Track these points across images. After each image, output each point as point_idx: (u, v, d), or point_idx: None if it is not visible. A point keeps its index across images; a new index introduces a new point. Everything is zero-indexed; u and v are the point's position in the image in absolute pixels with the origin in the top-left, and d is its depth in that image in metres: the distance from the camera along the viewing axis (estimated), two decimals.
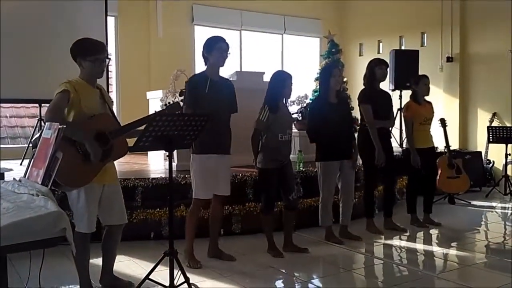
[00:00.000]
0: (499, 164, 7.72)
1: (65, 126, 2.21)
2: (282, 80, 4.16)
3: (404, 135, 7.77)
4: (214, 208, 4.11)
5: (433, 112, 5.38)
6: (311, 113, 4.74)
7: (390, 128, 5.29)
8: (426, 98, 5.34)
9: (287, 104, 4.42)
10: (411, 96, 5.33)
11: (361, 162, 5.02)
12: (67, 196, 3.08)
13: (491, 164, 7.92)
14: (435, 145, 5.65)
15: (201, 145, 3.74)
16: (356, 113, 4.79)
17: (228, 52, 3.90)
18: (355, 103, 5.42)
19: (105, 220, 3.21)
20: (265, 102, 4.18)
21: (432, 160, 5.43)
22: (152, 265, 3.23)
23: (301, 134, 6.09)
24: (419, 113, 5.21)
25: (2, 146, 7.51)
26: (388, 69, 5.14)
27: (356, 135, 4.98)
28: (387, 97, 5.13)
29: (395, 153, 5.32)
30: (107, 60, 3.10)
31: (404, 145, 7.48)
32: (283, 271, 3.90)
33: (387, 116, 5.03)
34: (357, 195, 5.19)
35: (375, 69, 4.94)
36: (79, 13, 6.68)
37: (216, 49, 3.85)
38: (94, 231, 3.11)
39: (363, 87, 5.07)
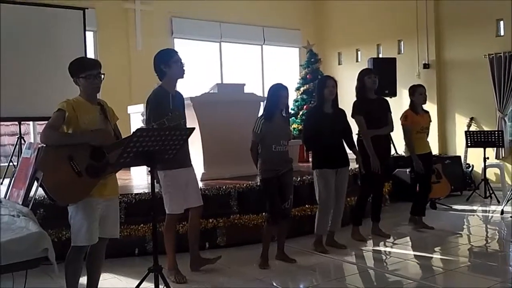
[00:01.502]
0: (478, 168, 7.86)
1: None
2: (275, 92, 4.23)
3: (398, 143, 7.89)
4: (192, 220, 4.08)
5: (430, 121, 5.52)
6: (306, 123, 4.86)
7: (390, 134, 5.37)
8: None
9: (288, 114, 4.45)
10: (409, 106, 5.42)
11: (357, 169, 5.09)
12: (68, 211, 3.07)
13: (470, 168, 8.06)
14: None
15: (174, 160, 3.69)
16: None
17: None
18: None
19: (99, 232, 3.16)
20: (262, 114, 4.27)
21: (429, 165, 5.52)
22: (137, 282, 3.19)
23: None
24: (417, 122, 5.33)
25: None
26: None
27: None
28: (383, 104, 5.18)
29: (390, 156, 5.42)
30: (101, 75, 3.13)
31: (399, 152, 7.57)
32: (270, 282, 3.89)
33: (385, 122, 5.09)
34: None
35: (365, 79, 5.04)
36: (58, 30, 6.65)
37: (174, 62, 3.82)
38: (94, 243, 3.06)
39: (342, 95, 5.13)
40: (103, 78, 3.16)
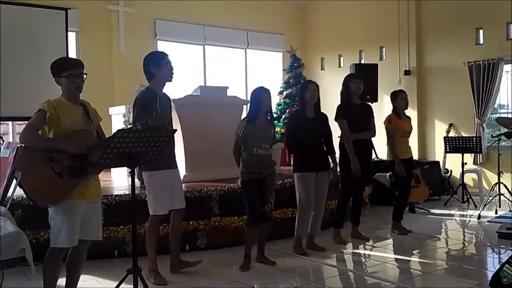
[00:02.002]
0: (456, 173, 7.99)
1: (23, 145, 2.17)
2: (257, 95, 4.27)
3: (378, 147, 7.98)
4: (174, 222, 4.08)
5: (411, 126, 5.62)
6: (288, 126, 4.90)
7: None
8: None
9: (272, 118, 4.46)
10: (392, 111, 5.51)
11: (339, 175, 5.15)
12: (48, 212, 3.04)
13: (449, 173, 8.19)
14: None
15: (157, 162, 3.70)
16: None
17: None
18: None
19: (80, 235, 3.12)
20: (245, 117, 4.30)
21: (410, 169, 5.59)
22: (116, 284, 3.18)
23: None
24: (400, 127, 5.42)
25: None
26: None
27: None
28: (366, 109, 5.26)
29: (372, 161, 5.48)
30: (83, 75, 3.11)
31: (379, 157, 7.65)
32: (250, 284, 3.90)
33: (367, 127, 5.15)
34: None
35: (349, 84, 5.10)
36: (40, 29, 6.59)
37: (164, 65, 3.85)
38: (74, 245, 3.04)
39: (325, 100, 5.18)
40: (85, 78, 3.14)
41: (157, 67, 3.85)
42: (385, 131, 5.43)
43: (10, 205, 2.49)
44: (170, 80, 3.92)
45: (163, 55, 3.91)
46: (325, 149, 4.78)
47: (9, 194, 2.54)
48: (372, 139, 5.33)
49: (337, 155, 4.99)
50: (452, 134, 8.30)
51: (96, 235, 3.20)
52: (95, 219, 3.18)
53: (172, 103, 4.18)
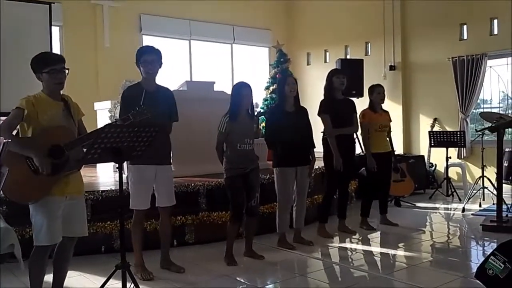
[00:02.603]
0: (441, 167, 8.09)
1: (10, 140, 2.15)
2: (238, 90, 4.25)
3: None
4: (161, 220, 4.08)
5: (389, 120, 5.66)
6: (268, 121, 4.86)
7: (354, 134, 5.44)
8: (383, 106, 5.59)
9: (253, 113, 4.45)
10: (368, 105, 5.55)
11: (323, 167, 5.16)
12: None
13: (433, 167, 8.29)
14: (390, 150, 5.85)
15: (138, 156, 3.69)
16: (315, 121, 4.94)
17: (158, 62, 3.87)
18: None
19: (65, 232, 3.09)
20: (226, 112, 4.26)
21: (388, 164, 5.64)
22: (103, 279, 3.17)
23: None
24: (375, 120, 5.45)
25: None
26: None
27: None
28: (349, 104, 5.28)
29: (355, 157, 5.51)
30: (65, 70, 3.05)
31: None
32: (238, 278, 3.92)
33: (350, 123, 5.18)
34: (309, 200, 5.31)
35: (333, 79, 5.12)
36: (22, 24, 6.47)
37: (142, 62, 3.85)
38: (56, 242, 3.01)
39: (310, 95, 5.22)
40: (67, 73, 3.09)
41: (139, 62, 3.86)
42: None
43: None
44: (148, 77, 3.88)
45: (142, 51, 3.88)
46: (304, 143, 4.79)
47: None
48: (357, 134, 5.36)
49: (320, 149, 5.01)
50: (436, 128, 8.40)
51: (81, 231, 3.16)
52: (79, 215, 3.14)
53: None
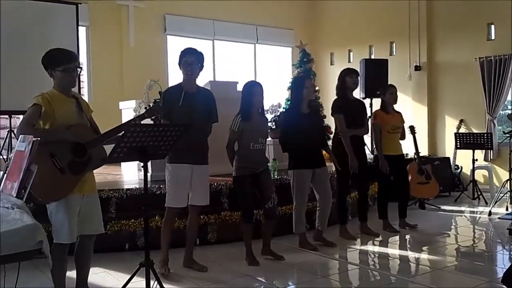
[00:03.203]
0: (467, 170, 7.95)
1: (39, 138, 2.18)
2: (249, 89, 4.24)
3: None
4: (190, 218, 4.12)
5: (402, 121, 5.53)
6: (283, 124, 4.81)
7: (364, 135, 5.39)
8: (395, 107, 5.50)
9: (264, 112, 4.47)
10: (380, 106, 5.47)
11: (334, 169, 5.12)
12: (47, 208, 3.03)
13: (459, 170, 8.15)
14: (405, 152, 5.79)
15: (175, 155, 3.78)
16: (329, 121, 4.89)
17: (198, 65, 3.93)
18: (327, 111, 5.53)
19: (81, 230, 3.14)
20: (238, 112, 4.24)
21: (402, 166, 5.57)
22: (127, 277, 3.20)
23: (275, 143, 6.15)
24: (387, 122, 5.36)
25: None
26: (359, 78, 5.26)
27: (330, 143, 5.08)
28: (360, 105, 5.24)
29: (368, 160, 5.44)
30: (78, 69, 3.07)
31: (375, 152, 7.63)
32: (259, 278, 3.93)
33: (361, 124, 5.13)
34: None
35: (346, 78, 5.05)
36: (50, 23, 6.61)
37: (182, 64, 3.93)
38: (74, 241, 3.07)
39: (334, 95, 5.17)
40: (80, 72, 3.12)
41: (179, 64, 3.95)
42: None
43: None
44: (188, 78, 3.95)
45: (183, 53, 3.94)
46: (319, 145, 4.76)
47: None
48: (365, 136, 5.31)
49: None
50: (462, 130, 8.25)
51: (98, 228, 3.20)
52: (96, 213, 3.18)
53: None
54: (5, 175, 2.26)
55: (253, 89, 4.22)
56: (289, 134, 4.61)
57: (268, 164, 4.54)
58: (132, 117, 3.23)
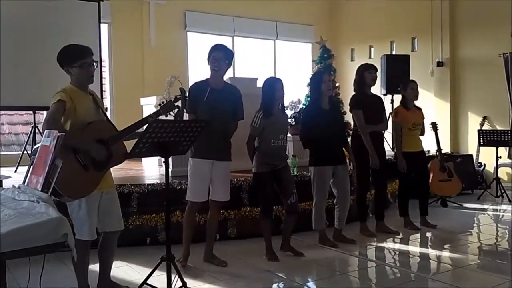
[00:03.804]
0: (490, 167, 7.82)
1: (64, 134, 2.23)
2: (270, 85, 4.24)
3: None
4: (210, 213, 4.16)
5: (423, 118, 5.45)
6: (303, 119, 4.82)
7: (383, 132, 5.34)
8: (416, 103, 5.43)
9: (284, 108, 4.47)
10: (400, 102, 5.41)
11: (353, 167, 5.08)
12: (67, 205, 3.06)
13: (482, 167, 8.02)
14: (426, 149, 5.73)
15: (197, 150, 3.85)
16: (349, 117, 4.85)
17: (226, 61, 3.93)
18: (347, 107, 5.49)
19: (103, 227, 3.20)
20: (260, 108, 4.24)
21: (423, 163, 5.50)
22: (149, 270, 3.26)
23: (294, 139, 6.14)
24: (408, 119, 5.29)
25: None
26: (380, 74, 5.20)
27: (349, 139, 5.05)
28: (379, 101, 5.19)
29: (387, 157, 5.40)
30: (94, 64, 3.07)
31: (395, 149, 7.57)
32: (279, 274, 3.93)
33: (380, 120, 5.08)
34: (351, 198, 5.25)
35: (364, 74, 4.99)
36: (73, 20, 6.70)
37: (210, 59, 3.95)
38: (95, 238, 3.13)
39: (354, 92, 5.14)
40: (96, 66, 3.10)
41: (208, 58, 3.96)
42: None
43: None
44: (215, 74, 3.97)
45: (211, 50, 3.96)
46: (340, 141, 4.73)
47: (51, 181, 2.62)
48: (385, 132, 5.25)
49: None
50: (486, 127, 8.12)
51: (118, 225, 3.25)
52: (116, 210, 3.22)
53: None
54: (31, 169, 2.31)
55: (275, 85, 4.22)
56: (310, 130, 4.59)
57: (288, 160, 4.54)
58: (148, 114, 3.27)
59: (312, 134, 4.57)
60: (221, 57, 3.91)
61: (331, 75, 4.69)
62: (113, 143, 2.98)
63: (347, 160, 4.81)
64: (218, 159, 3.95)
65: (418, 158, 5.34)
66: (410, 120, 5.29)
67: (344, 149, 4.80)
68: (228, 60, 3.96)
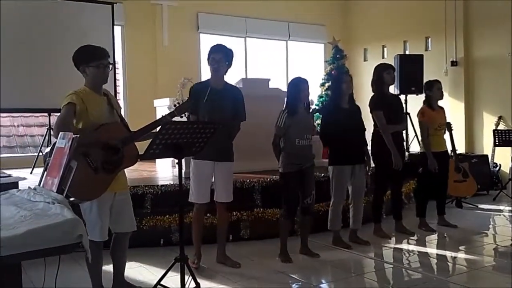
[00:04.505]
0: (505, 167, 7.72)
1: (78, 136, 2.24)
2: (296, 85, 4.26)
3: (410, 139, 7.81)
4: (218, 214, 4.17)
5: (445, 117, 5.44)
6: (324, 118, 4.84)
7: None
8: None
9: (309, 108, 4.48)
10: (425, 102, 5.36)
11: (373, 167, 5.06)
12: (80, 206, 3.08)
13: (497, 168, 7.92)
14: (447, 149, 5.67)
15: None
16: (364, 118, 4.82)
17: (226, 62, 3.93)
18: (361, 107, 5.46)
19: (115, 228, 3.22)
20: (284, 107, 4.28)
21: (446, 163, 5.46)
22: (162, 271, 3.27)
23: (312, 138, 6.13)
24: (434, 119, 5.27)
25: (12, 155, 7.60)
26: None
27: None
28: (398, 101, 5.17)
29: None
30: (110, 65, 3.10)
31: (411, 150, 7.51)
32: (293, 276, 3.92)
33: (400, 119, 5.06)
34: (365, 200, 5.22)
35: (383, 74, 4.97)
36: (87, 23, 6.77)
37: (210, 60, 3.95)
38: (106, 239, 3.15)
39: (368, 92, 5.11)
40: (111, 69, 3.13)
41: (208, 59, 3.97)
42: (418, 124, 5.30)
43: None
44: (216, 75, 3.97)
45: (211, 50, 3.96)
46: (359, 141, 4.70)
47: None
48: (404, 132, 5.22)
49: (369, 147, 4.91)
50: (501, 127, 8.00)
51: (130, 226, 3.26)
52: (128, 211, 3.24)
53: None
54: (46, 171, 2.33)
55: (300, 85, 4.24)
56: (329, 128, 4.60)
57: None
58: (163, 115, 3.28)
59: (331, 133, 4.57)
60: (220, 58, 3.91)
61: (350, 76, 4.68)
62: (125, 145, 2.97)
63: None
64: (219, 160, 3.94)
65: (443, 158, 5.32)
66: (437, 120, 5.28)
67: (363, 150, 4.76)
68: (228, 60, 3.95)
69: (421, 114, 5.29)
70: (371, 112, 4.97)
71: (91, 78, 3.06)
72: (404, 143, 5.76)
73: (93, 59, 3.01)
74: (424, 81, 7.78)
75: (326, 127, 4.67)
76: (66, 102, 2.95)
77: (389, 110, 4.91)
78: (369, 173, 4.98)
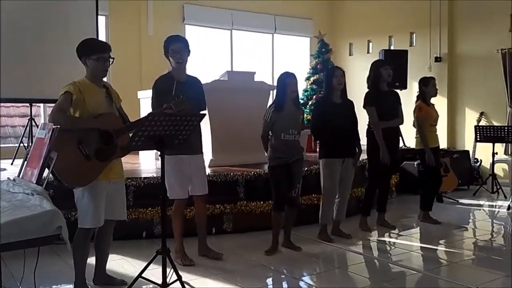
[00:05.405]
0: (486, 163, 7.83)
1: (59, 127, 2.22)
2: (284, 79, 4.26)
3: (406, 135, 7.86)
4: (196, 208, 4.14)
5: (438, 113, 5.51)
6: (315, 112, 4.86)
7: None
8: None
9: (299, 103, 4.49)
10: (419, 97, 5.41)
11: (365, 160, 5.09)
12: (74, 193, 3.12)
13: (478, 163, 8.04)
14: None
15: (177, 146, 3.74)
16: (359, 113, 4.86)
17: (186, 50, 3.82)
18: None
19: (107, 215, 3.21)
20: (273, 102, 4.31)
21: (438, 158, 5.51)
22: (144, 264, 3.25)
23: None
24: (430, 114, 5.34)
25: None
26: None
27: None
28: (394, 96, 5.18)
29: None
30: (110, 59, 3.16)
31: (407, 145, 7.58)
32: (275, 269, 3.94)
33: (395, 115, 5.09)
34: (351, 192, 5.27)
35: (381, 70, 5.00)
36: (70, 13, 6.66)
37: (169, 52, 3.84)
38: (100, 225, 3.14)
39: (352, 86, 5.14)
40: (112, 62, 3.19)
41: (166, 52, 3.86)
42: (413, 119, 5.35)
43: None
44: (177, 66, 3.86)
45: (169, 40, 3.86)
46: (350, 135, 4.74)
47: (45, 174, 2.63)
48: (400, 126, 5.26)
49: (364, 142, 4.94)
50: (483, 123, 8.12)
51: (120, 215, 3.29)
52: (120, 199, 3.27)
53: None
54: (26, 162, 2.31)
55: (287, 80, 4.23)
56: (320, 122, 4.62)
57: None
58: (163, 107, 3.27)
59: (322, 126, 4.59)
60: (181, 47, 3.82)
61: (341, 69, 4.69)
62: (118, 136, 3.04)
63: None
64: (194, 153, 3.91)
65: (436, 153, 5.39)
66: (432, 115, 5.35)
67: (355, 145, 4.77)
68: (187, 49, 3.87)
69: (418, 109, 5.34)
70: (364, 107, 5.00)
71: (91, 70, 3.14)
72: (400, 138, 5.80)
73: (94, 52, 3.09)
74: (408, 76, 7.92)
75: (317, 121, 4.69)
76: (63, 92, 3.02)
77: (382, 106, 4.95)
78: (358, 165, 4.98)
